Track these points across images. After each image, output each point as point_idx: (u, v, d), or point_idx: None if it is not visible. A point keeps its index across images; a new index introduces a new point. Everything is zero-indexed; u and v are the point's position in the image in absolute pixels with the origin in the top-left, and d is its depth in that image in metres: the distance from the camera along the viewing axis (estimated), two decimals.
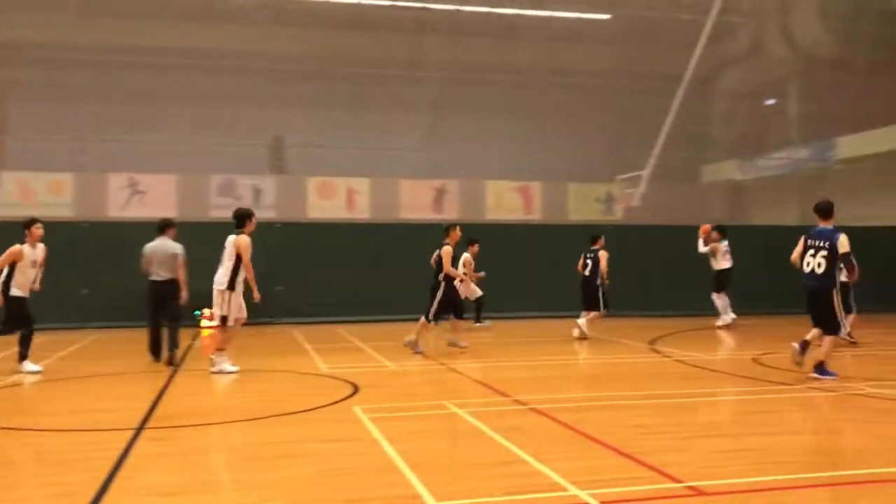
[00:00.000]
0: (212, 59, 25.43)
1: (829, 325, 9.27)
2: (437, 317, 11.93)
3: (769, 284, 16.95)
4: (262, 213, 25.86)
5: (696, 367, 10.50)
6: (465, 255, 14.45)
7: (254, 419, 7.26)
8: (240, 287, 10.02)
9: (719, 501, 4.65)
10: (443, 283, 11.84)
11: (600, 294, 13.83)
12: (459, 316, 12.22)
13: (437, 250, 12.02)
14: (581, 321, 13.90)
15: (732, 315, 16.11)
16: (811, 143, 28.24)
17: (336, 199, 27.07)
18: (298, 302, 17.52)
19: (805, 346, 9.39)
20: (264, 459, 5.83)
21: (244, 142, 25.40)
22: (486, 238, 18.86)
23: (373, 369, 10.49)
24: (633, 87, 27.71)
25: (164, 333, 11.13)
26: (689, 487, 4.89)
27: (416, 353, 11.75)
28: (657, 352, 12.25)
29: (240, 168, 26.39)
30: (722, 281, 16.05)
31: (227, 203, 25.69)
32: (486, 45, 27.70)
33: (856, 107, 25.52)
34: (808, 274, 9.38)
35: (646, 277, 18.09)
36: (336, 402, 7.87)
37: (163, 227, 11.40)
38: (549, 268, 18.03)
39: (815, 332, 9.44)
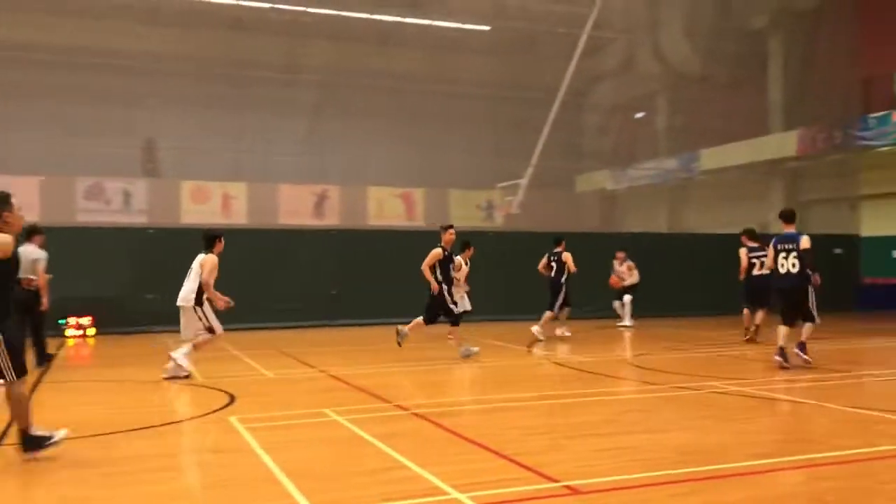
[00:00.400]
0: (79, 55, 24.19)
1: (805, 316, 10.37)
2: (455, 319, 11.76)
3: (643, 289, 17.64)
4: (133, 218, 25.00)
5: (575, 369, 10.80)
6: (457, 259, 13.86)
7: (128, 431, 6.92)
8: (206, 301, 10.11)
9: (593, 499, 4.79)
10: (441, 286, 11.59)
11: (560, 295, 14.40)
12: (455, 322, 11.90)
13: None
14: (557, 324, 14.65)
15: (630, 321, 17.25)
16: (678, 155, 29.66)
17: (211, 203, 26.30)
18: (172, 310, 16.89)
19: (783, 352, 10.29)
20: (140, 473, 5.57)
21: (114, 143, 24.29)
22: (367, 245, 18.84)
23: (250, 378, 10.23)
24: (512, 98, 28.29)
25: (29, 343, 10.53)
26: (566, 486, 5.01)
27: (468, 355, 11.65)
28: (537, 355, 12.52)
29: (109, 170, 25.21)
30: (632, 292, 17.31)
31: (95, 207, 24.52)
32: (368, 50, 27.65)
33: (718, 121, 26.99)
34: (783, 275, 10.33)
35: (525, 283, 18.44)
36: (212, 413, 7.63)
37: (30, 233, 10.82)
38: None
39: (783, 332, 10.34)
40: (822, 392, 8.86)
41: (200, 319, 10.07)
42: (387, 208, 28.90)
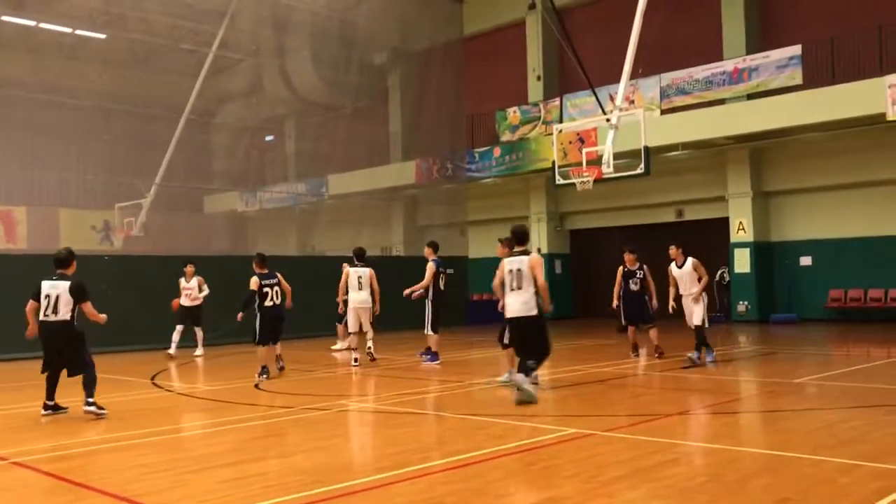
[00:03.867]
0: None
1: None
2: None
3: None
4: None
5: (200, 398, 10.33)
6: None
7: None
8: None
9: None
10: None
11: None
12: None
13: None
14: None
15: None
16: (307, 179, 30.34)
17: None
18: None
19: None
20: None
21: None
22: None
23: None
24: (132, 113, 26.72)
25: None
26: None
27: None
28: (159, 386, 11.77)
29: None
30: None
31: None
32: None
33: (343, 149, 28.18)
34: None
35: (141, 309, 17.30)
36: None
37: None
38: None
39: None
40: (439, 402, 9.52)
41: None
42: None
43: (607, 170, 16.50)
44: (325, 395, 10.23)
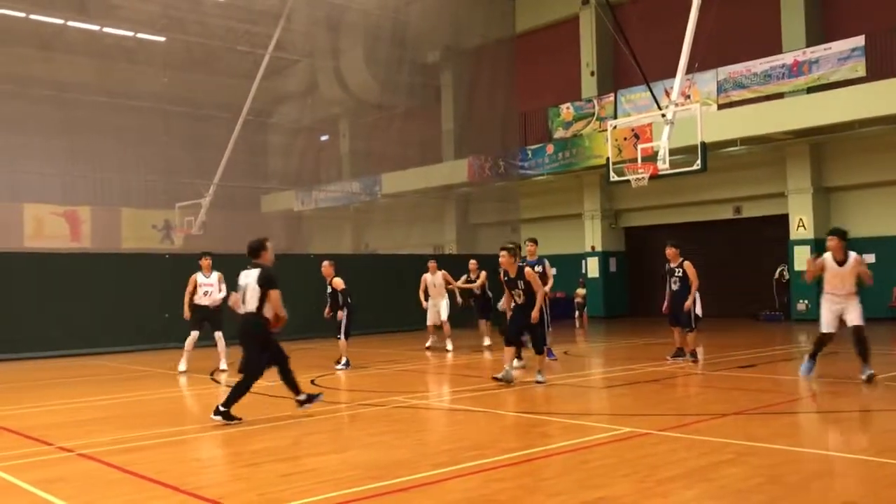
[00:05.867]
0: None
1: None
2: None
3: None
4: None
5: (257, 393, 10.49)
6: None
7: None
8: None
9: None
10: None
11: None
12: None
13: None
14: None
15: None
16: (361, 178, 30.56)
17: None
18: None
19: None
20: None
21: None
22: (24, 269, 16.82)
23: None
24: (191, 114, 27.26)
25: None
26: None
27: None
28: (218, 382, 12.01)
29: None
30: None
31: None
32: (23, 54, 24.97)
33: (396, 148, 28.32)
34: None
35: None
36: None
37: None
38: (100, 300, 16.66)
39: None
40: (493, 400, 9.52)
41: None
42: (47, 228, 26.18)
43: (663, 166, 16.26)
44: (380, 391, 10.32)
